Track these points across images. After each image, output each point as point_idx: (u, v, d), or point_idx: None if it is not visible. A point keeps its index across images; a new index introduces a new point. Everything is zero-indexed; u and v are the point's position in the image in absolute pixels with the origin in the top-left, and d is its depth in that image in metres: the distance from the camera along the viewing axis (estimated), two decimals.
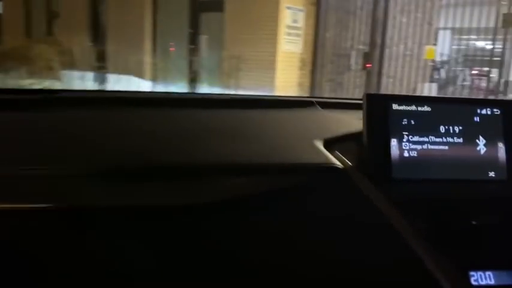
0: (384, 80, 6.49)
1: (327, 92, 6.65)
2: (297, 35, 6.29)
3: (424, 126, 0.77)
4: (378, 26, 6.14)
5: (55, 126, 0.83)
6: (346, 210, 0.72)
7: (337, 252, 0.70)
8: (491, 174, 0.78)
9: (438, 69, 10.81)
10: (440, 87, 8.82)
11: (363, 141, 0.75)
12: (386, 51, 6.70)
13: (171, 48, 7.13)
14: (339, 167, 0.75)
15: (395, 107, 0.76)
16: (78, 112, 0.90)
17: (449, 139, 0.77)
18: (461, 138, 0.77)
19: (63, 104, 0.94)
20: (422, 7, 6.46)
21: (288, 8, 6.05)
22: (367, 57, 6.17)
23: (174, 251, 0.67)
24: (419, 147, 0.76)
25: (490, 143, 0.78)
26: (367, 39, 6.27)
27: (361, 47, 6.48)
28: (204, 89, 6.63)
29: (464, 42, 6.15)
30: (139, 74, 6.82)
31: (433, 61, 10.84)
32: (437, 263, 0.66)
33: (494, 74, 11.98)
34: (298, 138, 0.85)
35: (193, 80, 6.75)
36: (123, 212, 0.66)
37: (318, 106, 1.07)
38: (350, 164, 0.76)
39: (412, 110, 0.77)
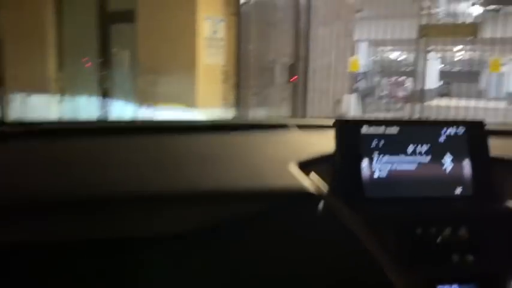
0: (310, 93, 6.40)
1: (253, 106, 6.39)
2: (219, 47, 5.92)
3: (393, 147, 0.81)
4: (301, 38, 6.01)
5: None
6: (320, 232, 0.75)
7: (311, 273, 0.73)
8: (458, 190, 0.82)
9: (359, 80, 11.18)
10: (362, 98, 9.05)
11: (336, 162, 0.79)
12: (311, 63, 6.64)
13: (87, 64, 6.46)
14: (313, 191, 0.77)
15: (364, 130, 0.80)
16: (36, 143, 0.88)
17: (417, 159, 0.81)
18: (429, 157, 0.82)
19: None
20: (343, 19, 6.49)
21: (207, 18, 5.66)
22: (291, 70, 5.99)
23: (151, 279, 0.69)
24: (388, 167, 0.80)
25: (456, 161, 0.82)
26: (291, 51, 6.11)
27: (285, 59, 6.30)
28: (117, 105, 6.00)
29: (382, 53, 6.23)
30: (43, 90, 6.08)
31: (354, 72, 11.20)
32: (406, 278, 0.72)
33: (410, 82, 12.79)
34: (272, 161, 0.86)
35: (104, 96, 6.10)
36: (92, 246, 0.66)
37: (292, 128, 1.09)
38: (323, 186, 0.79)
39: (381, 133, 0.80)
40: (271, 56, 6.26)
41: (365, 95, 8.86)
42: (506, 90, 15.98)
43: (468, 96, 5.23)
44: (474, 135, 0.83)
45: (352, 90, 10.88)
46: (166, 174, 0.78)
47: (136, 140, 0.95)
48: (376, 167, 0.79)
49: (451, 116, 5.29)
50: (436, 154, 0.82)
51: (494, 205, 0.82)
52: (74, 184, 0.72)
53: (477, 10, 7.35)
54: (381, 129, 0.80)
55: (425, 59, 5.73)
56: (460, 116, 5.16)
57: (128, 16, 6.00)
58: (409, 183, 0.80)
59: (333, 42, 6.26)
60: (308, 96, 6.50)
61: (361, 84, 10.84)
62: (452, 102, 5.39)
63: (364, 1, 5.68)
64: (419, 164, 0.81)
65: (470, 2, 6.63)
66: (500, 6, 6.09)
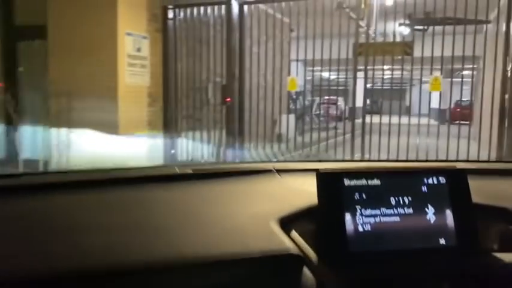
0: (246, 114, 6.08)
1: (184, 130, 5.91)
2: (142, 66, 5.39)
3: (376, 199, 0.80)
4: (234, 57, 5.67)
5: None
6: None
7: None
8: (442, 241, 0.81)
9: (294, 100, 11.14)
10: (298, 117, 8.94)
11: (319, 217, 0.79)
12: (246, 83, 6.35)
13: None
14: (295, 253, 0.75)
15: (347, 182, 0.80)
16: None
17: (400, 210, 0.81)
18: (411, 209, 0.81)
19: None
20: (278, 38, 6.31)
21: (129, 34, 5.13)
22: (225, 90, 5.61)
23: None
24: (372, 220, 0.79)
25: (439, 211, 0.82)
26: (224, 71, 5.75)
27: (218, 79, 5.92)
28: (26, 131, 5.21)
29: (316, 73, 6.12)
30: None
31: (291, 92, 11.15)
32: None
33: (342, 101, 13.08)
34: (253, 217, 0.83)
35: (9, 123, 5.28)
36: None
37: (276, 173, 1.08)
38: (306, 244, 0.78)
39: (363, 185, 0.80)
40: (203, 75, 5.85)
41: (301, 115, 8.75)
42: (430, 107, 17.08)
43: (395, 113, 5.28)
44: (455, 184, 0.84)
45: (289, 110, 10.84)
46: (142, 240, 0.73)
47: (100, 194, 0.90)
48: (359, 220, 0.79)
49: (382, 131, 5.34)
50: (419, 204, 0.82)
51: (478, 256, 0.81)
52: (33, 258, 0.65)
53: (405, 30, 7.52)
54: (363, 181, 0.80)
55: (355, 78, 5.68)
56: (389, 131, 5.25)
57: (37, 32, 5.30)
58: (392, 236, 0.80)
59: (268, 61, 6.02)
60: (244, 117, 6.19)
61: (297, 104, 10.78)
62: (382, 119, 5.46)
63: (299, 21, 5.50)
64: (403, 215, 0.81)
65: (398, 23, 6.76)
66: (426, 26, 6.27)
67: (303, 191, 0.93)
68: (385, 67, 7.36)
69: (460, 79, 5.70)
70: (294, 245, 0.76)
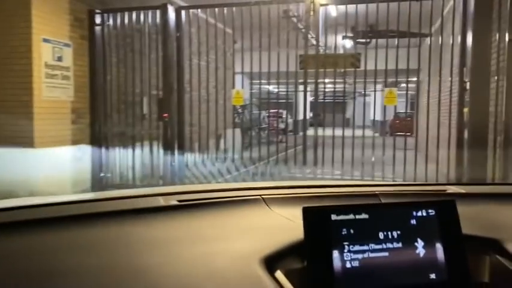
0: (187, 129, 5.60)
1: (116, 146, 5.30)
2: (65, 77, 4.73)
3: (364, 234, 0.78)
4: (172, 68, 5.16)
5: None
6: None
7: None
8: (432, 276, 0.79)
9: (239, 114, 10.78)
10: (243, 131, 8.57)
11: (305, 254, 0.77)
12: (186, 96, 5.89)
13: None
14: None
15: (334, 217, 0.78)
16: None
17: (389, 245, 0.79)
18: (401, 243, 0.79)
19: None
20: (219, 49, 5.92)
21: (46, 41, 4.47)
22: (162, 104, 5.08)
23: None
24: (360, 256, 0.77)
25: (428, 245, 0.80)
26: (161, 83, 5.22)
27: (154, 92, 5.38)
28: None
29: (261, 86, 5.80)
30: None
31: (234, 106, 10.79)
32: None
33: (286, 114, 12.99)
34: (237, 256, 0.80)
35: None
36: None
37: (263, 202, 1.07)
38: (291, 286, 0.75)
39: (350, 219, 0.78)
40: (137, 88, 5.29)
41: (246, 129, 8.42)
42: (370, 119, 17.55)
43: (337, 125, 5.31)
44: (445, 216, 0.83)
45: (234, 124, 10.47)
46: (120, 284, 0.69)
47: (73, 231, 0.84)
48: (347, 257, 0.77)
49: (326, 144, 5.30)
50: (408, 238, 0.80)
51: None
52: None
53: (348, 43, 7.42)
54: (351, 215, 0.79)
55: (299, 91, 5.45)
56: (333, 144, 5.23)
57: None
58: (381, 273, 0.77)
59: (211, 73, 5.58)
60: (185, 132, 5.71)
61: (242, 118, 10.50)
62: (325, 131, 5.38)
63: (244, 32, 5.14)
64: (392, 250, 0.79)
65: (342, 35, 6.67)
66: (368, 40, 6.25)
67: (290, 224, 0.93)
68: (327, 80, 7.26)
69: (404, 92, 5.65)
70: (278, 285, 0.74)
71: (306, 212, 0.77)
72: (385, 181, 4.72)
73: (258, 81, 5.94)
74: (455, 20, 4.77)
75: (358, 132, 5.17)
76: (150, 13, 5.11)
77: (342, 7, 5.20)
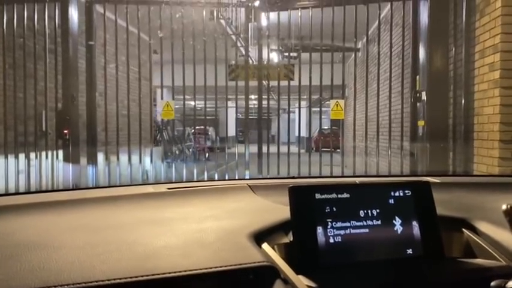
0: (100, 146, 4.93)
1: None
2: None
3: (345, 212, 0.84)
4: (74, 76, 4.45)
5: None
6: None
7: None
8: (409, 251, 0.85)
9: (162, 131, 10.08)
10: (166, 150, 7.95)
11: (291, 230, 0.83)
12: (98, 110, 5.21)
13: None
14: (267, 264, 0.75)
15: (318, 196, 0.84)
16: None
17: (369, 222, 0.85)
18: (380, 221, 0.86)
19: None
20: (135, 59, 5.34)
21: None
22: (61, 117, 4.35)
23: None
24: (342, 232, 0.83)
25: (405, 222, 0.87)
26: (62, 93, 4.48)
27: (59, 105, 4.63)
28: None
29: (186, 101, 5.34)
30: None
31: (155, 122, 10.07)
32: None
33: (212, 131, 12.57)
34: (226, 231, 0.85)
35: None
36: None
37: (250, 189, 1.14)
38: (278, 257, 0.78)
39: (333, 198, 0.85)
40: (31, 100, 4.49)
41: (170, 146, 7.87)
42: (295, 135, 17.87)
43: (262, 142, 5.27)
44: (420, 196, 0.89)
45: (155, 141, 9.76)
46: (115, 255, 0.72)
47: (68, 214, 0.92)
48: (330, 233, 0.81)
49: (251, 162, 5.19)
50: (387, 217, 0.86)
51: (445, 264, 0.85)
52: None
53: (276, 57, 7.24)
54: (333, 195, 0.84)
55: (227, 107, 5.15)
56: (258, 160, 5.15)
57: None
58: (362, 247, 0.82)
59: (127, 85, 4.97)
60: (96, 152, 5.01)
61: (165, 135, 9.88)
62: (250, 148, 5.24)
63: (165, 43, 4.64)
64: (371, 227, 0.84)
65: (270, 48, 6.46)
66: (296, 54, 6.15)
67: (276, 207, 0.99)
68: (253, 97, 6.98)
69: (328, 108, 5.57)
70: (266, 257, 0.77)
71: (292, 190, 0.82)
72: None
73: (184, 96, 5.45)
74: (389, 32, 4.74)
75: (284, 149, 4.96)
76: (46, 6, 4.26)
77: (274, 17, 4.92)
